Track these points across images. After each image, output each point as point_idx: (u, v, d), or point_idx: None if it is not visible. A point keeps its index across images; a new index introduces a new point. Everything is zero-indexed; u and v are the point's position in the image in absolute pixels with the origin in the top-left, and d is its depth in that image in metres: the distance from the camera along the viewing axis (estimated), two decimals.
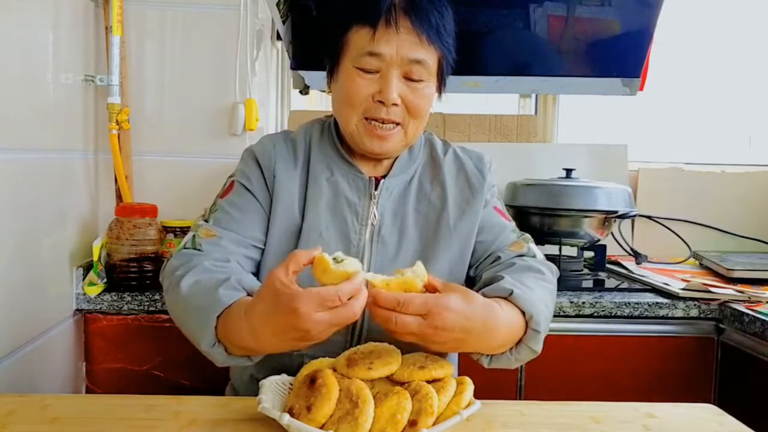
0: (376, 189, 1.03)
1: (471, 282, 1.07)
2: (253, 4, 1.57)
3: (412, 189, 1.06)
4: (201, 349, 0.85)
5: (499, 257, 1.03)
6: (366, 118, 0.98)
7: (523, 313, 0.86)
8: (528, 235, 1.09)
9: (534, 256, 1.04)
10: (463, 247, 1.04)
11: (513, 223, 1.10)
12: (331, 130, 1.08)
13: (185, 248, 0.97)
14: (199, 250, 0.96)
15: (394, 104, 0.96)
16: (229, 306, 0.83)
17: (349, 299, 0.74)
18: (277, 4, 1.58)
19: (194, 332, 0.85)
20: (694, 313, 1.40)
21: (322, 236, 0.99)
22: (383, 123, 0.97)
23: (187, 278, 0.89)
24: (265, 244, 1.01)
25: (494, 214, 1.08)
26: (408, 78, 0.96)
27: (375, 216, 1.02)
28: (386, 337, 0.87)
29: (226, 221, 1.00)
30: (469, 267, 1.06)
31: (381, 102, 0.96)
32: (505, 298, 0.87)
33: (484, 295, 0.86)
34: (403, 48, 0.94)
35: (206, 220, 1.01)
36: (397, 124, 0.98)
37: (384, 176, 1.05)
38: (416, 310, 0.76)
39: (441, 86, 1.03)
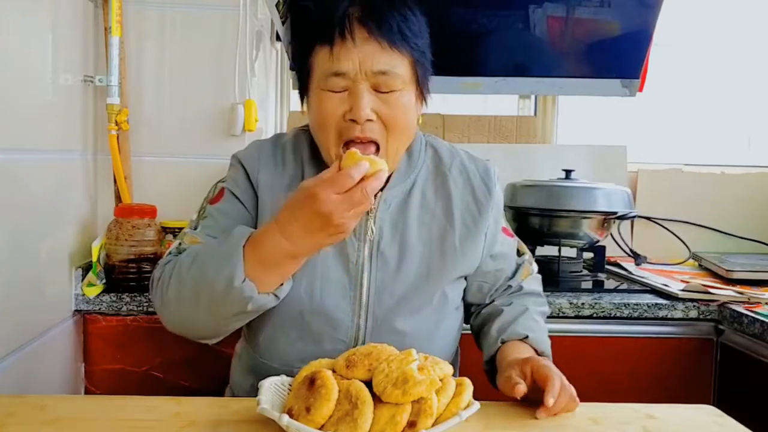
0: None
1: (468, 303, 1.10)
2: (252, 4, 1.57)
3: (414, 199, 1.00)
4: (231, 290, 0.82)
5: (510, 286, 1.09)
6: (345, 145, 0.92)
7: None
8: (529, 254, 1.14)
9: (533, 273, 1.14)
10: (466, 269, 1.03)
11: (516, 240, 1.11)
12: None
13: (169, 254, 0.95)
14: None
15: (369, 120, 0.90)
16: (250, 234, 0.85)
17: (362, 181, 0.77)
18: (277, 5, 1.58)
19: (218, 277, 0.83)
20: (693, 314, 1.40)
21: (319, 253, 0.92)
22: (361, 142, 0.91)
23: (184, 258, 0.90)
24: None
25: (505, 240, 1.09)
26: (378, 90, 0.90)
27: (372, 231, 0.98)
28: (386, 340, 0.87)
29: (213, 228, 0.97)
30: (480, 292, 1.08)
31: (354, 120, 0.90)
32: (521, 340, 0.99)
33: (503, 341, 0.99)
34: (365, 60, 0.88)
35: (195, 227, 0.99)
36: (374, 143, 0.92)
37: (381, 188, 0.97)
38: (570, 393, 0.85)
39: (422, 92, 0.97)
